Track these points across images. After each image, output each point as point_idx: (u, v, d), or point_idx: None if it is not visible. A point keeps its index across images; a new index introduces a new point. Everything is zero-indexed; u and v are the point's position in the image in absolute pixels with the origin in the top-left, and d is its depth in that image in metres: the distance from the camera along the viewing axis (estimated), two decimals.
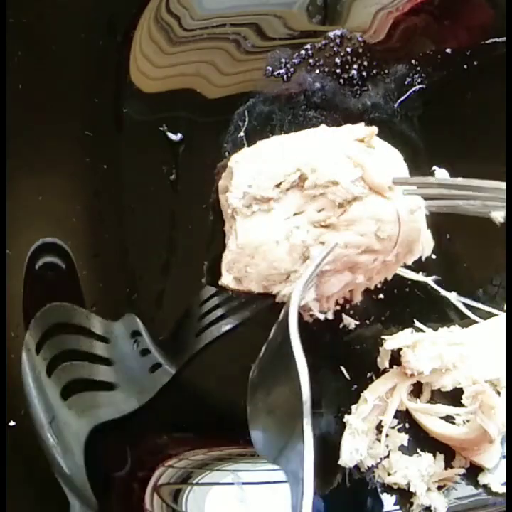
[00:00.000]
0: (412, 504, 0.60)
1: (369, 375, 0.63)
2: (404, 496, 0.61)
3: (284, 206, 0.58)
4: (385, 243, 0.58)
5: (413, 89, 0.62)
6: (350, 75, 0.62)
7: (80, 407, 0.59)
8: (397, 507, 0.61)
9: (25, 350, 0.58)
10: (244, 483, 0.61)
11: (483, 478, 0.60)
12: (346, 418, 0.61)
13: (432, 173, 0.63)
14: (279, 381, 0.49)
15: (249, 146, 0.61)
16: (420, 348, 0.59)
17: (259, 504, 0.61)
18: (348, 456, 0.59)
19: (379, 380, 0.61)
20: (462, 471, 0.60)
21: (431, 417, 0.60)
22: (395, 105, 0.62)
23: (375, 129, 0.58)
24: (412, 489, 0.60)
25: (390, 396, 0.61)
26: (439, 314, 0.63)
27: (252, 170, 0.57)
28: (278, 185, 0.57)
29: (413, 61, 0.62)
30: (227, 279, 0.59)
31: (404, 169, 0.60)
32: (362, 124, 0.60)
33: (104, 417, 0.60)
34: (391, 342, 0.60)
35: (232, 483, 0.62)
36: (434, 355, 0.59)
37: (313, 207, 0.57)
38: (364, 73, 0.62)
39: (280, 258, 0.57)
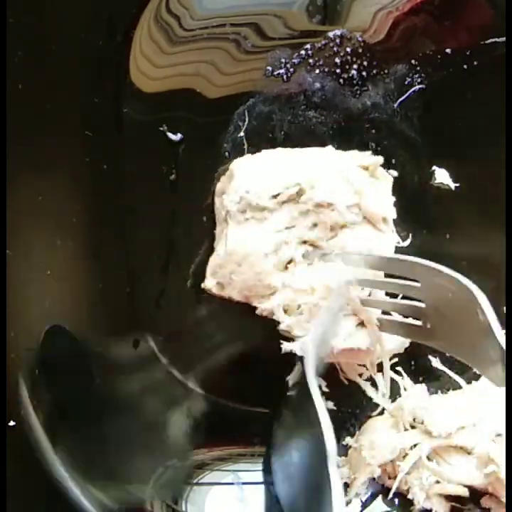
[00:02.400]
0: (412, 503, 0.60)
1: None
2: (405, 497, 0.61)
3: (278, 218, 0.58)
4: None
5: (413, 89, 0.62)
6: (350, 75, 0.62)
7: None
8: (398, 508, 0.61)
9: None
10: (244, 483, 0.61)
11: None
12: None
13: (433, 173, 0.63)
14: (302, 437, 0.50)
15: (249, 146, 0.61)
16: (440, 408, 0.59)
17: (259, 504, 0.61)
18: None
19: (402, 434, 0.60)
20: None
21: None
22: (395, 105, 0.62)
23: (380, 159, 0.59)
24: (410, 497, 0.60)
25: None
26: None
27: (252, 176, 0.57)
28: (275, 196, 0.57)
29: (413, 61, 0.62)
30: (210, 283, 0.59)
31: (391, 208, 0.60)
32: (368, 153, 0.61)
33: None
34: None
35: (232, 483, 0.62)
36: (456, 414, 0.59)
37: (305, 223, 0.58)
38: (364, 73, 0.62)
39: (266, 271, 0.57)
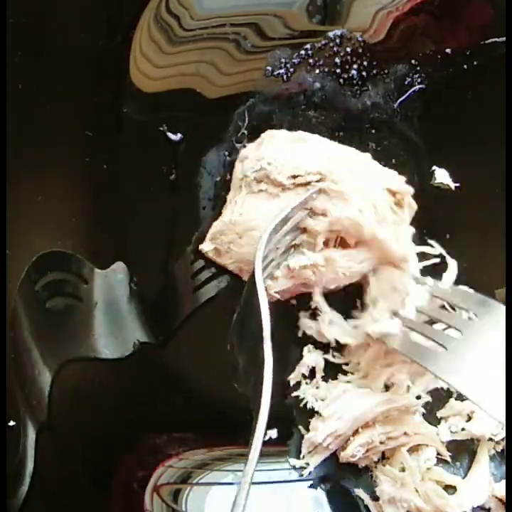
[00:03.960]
0: None
1: None
2: None
3: (288, 199, 0.57)
4: None
5: (413, 89, 0.62)
6: (350, 75, 0.62)
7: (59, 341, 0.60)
8: None
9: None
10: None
11: None
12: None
13: (433, 173, 0.63)
14: (248, 320, 0.52)
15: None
16: None
17: (259, 504, 0.61)
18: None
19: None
20: None
21: None
22: (395, 105, 0.62)
23: (410, 189, 0.58)
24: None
25: None
26: None
27: (280, 151, 0.57)
28: (294, 177, 0.57)
29: (413, 61, 0.62)
30: (207, 246, 0.59)
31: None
32: (402, 178, 0.59)
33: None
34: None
35: (232, 483, 0.62)
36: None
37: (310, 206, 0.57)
38: (364, 73, 0.62)
39: None
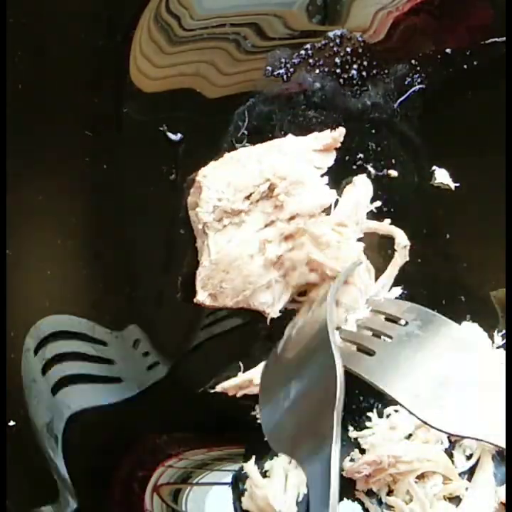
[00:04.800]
0: None
1: None
2: None
3: (255, 218, 0.58)
4: None
5: (413, 89, 0.62)
6: (350, 75, 0.62)
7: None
8: None
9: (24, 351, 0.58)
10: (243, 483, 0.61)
11: None
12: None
13: (433, 173, 0.63)
14: (306, 376, 0.50)
15: (249, 145, 0.61)
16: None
17: None
18: None
19: None
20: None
21: None
22: (395, 105, 0.62)
23: (341, 130, 0.60)
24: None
25: None
26: None
27: (220, 183, 0.57)
28: (248, 197, 0.57)
29: (413, 61, 0.62)
30: (202, 296, 0.58)
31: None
32: (327, 131, 0.60)
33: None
34: None
35: (232, 483, 0.62)
36: None
37: (284, 215, 0.57)
38: (364, 73, 0.62)
39: (256, 273, 0.57)
